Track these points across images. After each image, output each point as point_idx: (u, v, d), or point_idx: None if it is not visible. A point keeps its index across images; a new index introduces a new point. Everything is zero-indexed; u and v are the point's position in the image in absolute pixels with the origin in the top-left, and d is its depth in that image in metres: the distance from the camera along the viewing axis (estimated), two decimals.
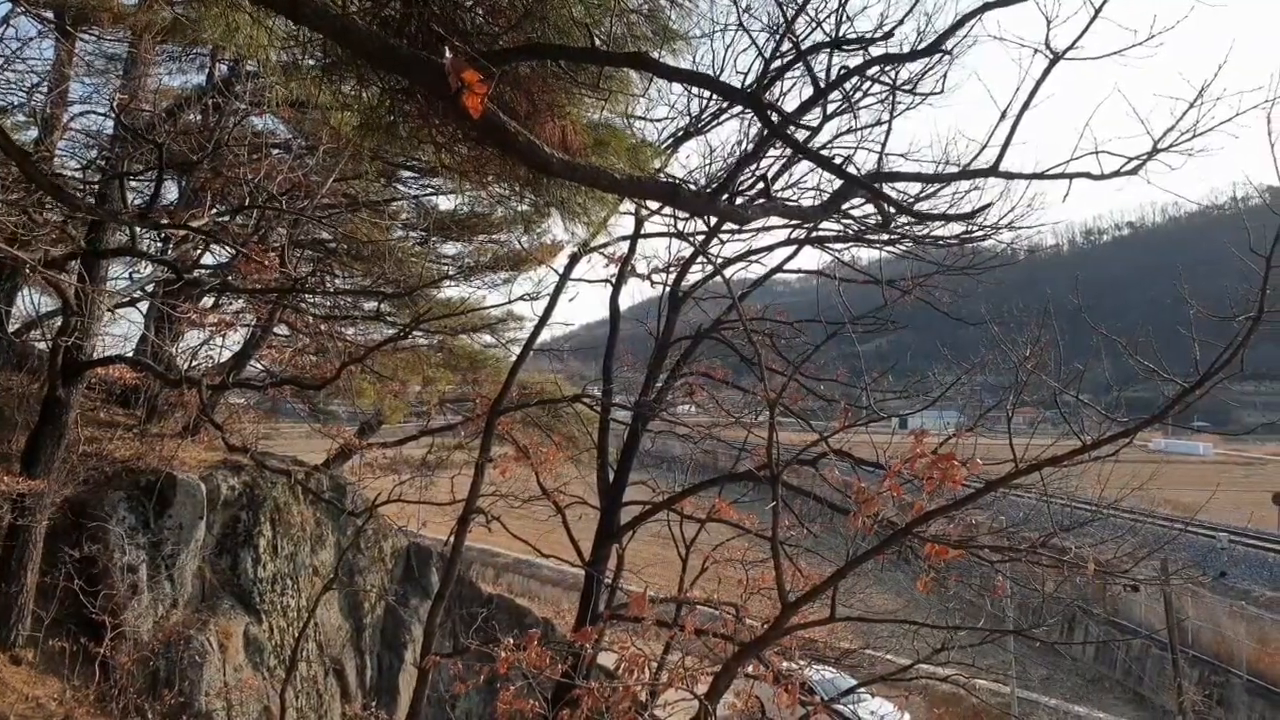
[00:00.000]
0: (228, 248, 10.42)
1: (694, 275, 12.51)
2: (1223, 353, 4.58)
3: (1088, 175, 4.29)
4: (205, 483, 10.91)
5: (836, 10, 6.20)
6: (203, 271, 11.85)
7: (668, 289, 12.33)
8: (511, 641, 6.96)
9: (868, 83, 8.00)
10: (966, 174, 5.39)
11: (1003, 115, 4.42)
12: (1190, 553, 28.71)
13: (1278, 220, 4.37)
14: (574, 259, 11.17)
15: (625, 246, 12.01)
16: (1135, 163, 4.35)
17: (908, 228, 10.10)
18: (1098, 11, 3.90)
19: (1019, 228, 9.79)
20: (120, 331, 12.59)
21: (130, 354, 11.67)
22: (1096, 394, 6.01)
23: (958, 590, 12.64)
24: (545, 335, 12.27)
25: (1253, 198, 6.72)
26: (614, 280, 12.32)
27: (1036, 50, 4.23)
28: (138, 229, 7.74)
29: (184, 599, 10.46)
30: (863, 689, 11.42)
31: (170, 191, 11.99)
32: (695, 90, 8.77)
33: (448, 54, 2.59)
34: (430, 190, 13.85)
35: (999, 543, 7.74)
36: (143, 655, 9.50)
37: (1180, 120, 4.26)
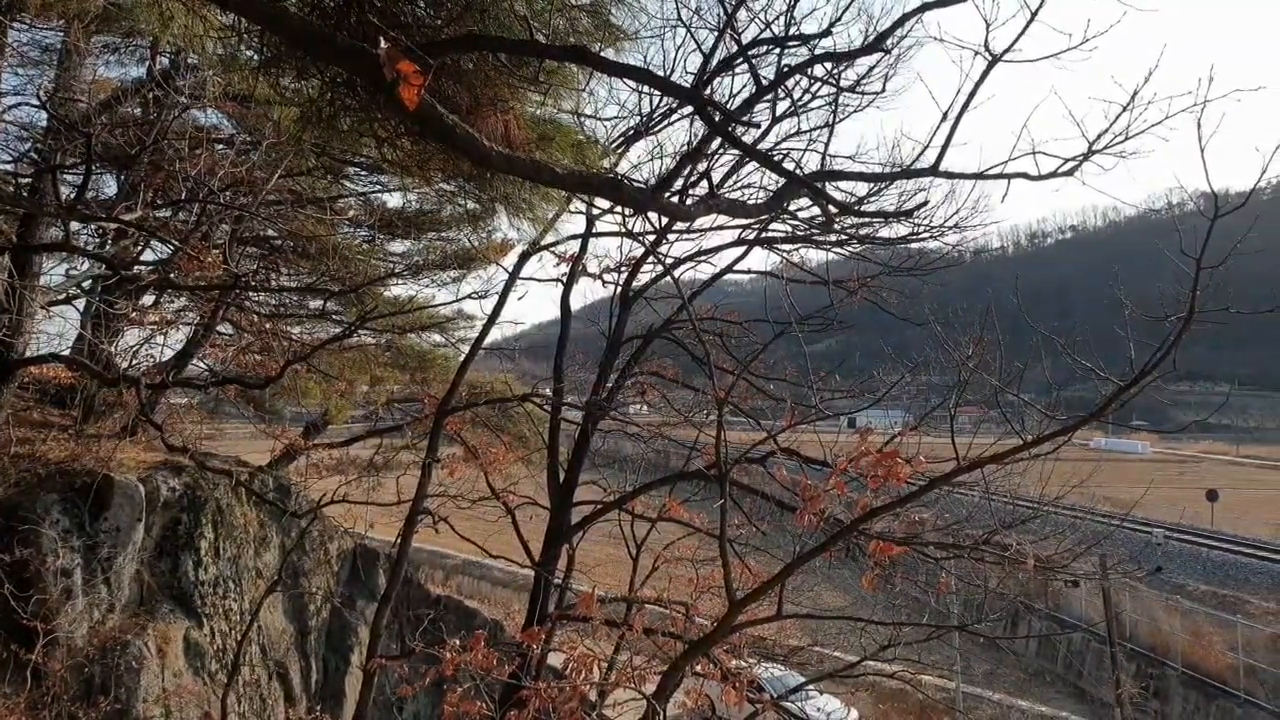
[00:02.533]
0: (168, 244, 10.17)
1: (645, 275, 12.54)
2: (1155, 352, 4.69)
3: (1025, 175, 4.38)
4: (144, 484, 10.63)
5: (784, 12, 6.26)
6: (142, 268, 11.55)
7: (619, 289, 12.32)
8: (457, 643, 6.90)
9: (815, 84, 8.08)
10: (907, 173, 5.47)
11: (944, 116, 4.49)
12: (1128, 548, 29.47)
13: (1209, 223, 4.49)
14: (524, 257, 11.11)
15: (576, 245, 11.99)
16: (1071, 164, 4.44)
17: (853, 229, 10.22)
18: (1034, 15, 3.98)
19: (965, 228, 9.97)
20: (55, 329, 12.23)
21: (66, 352, 11.34)
22: (1038, 394, 6.13)
23: (903, 587, 12.82)
24: (496, 334, 12.19)
25: (1186, 203, 6.92)
26: (565, 279, 12.29)
27: (976, 52, 4.30)
28: (72, 224, 7.53)
29: (121, 603, 10.18)
30: (811, 686, 11.51)
31: (109, 186, 11.70)
32: (645, 89, 8.77)
33: (382, 44, 2.55)
34: (378, 187, 13.67)
35: (943, 540, 7.87)
36: (77, 662, 9.22)
37: (1114, 123, 4.37)
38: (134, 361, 12.10)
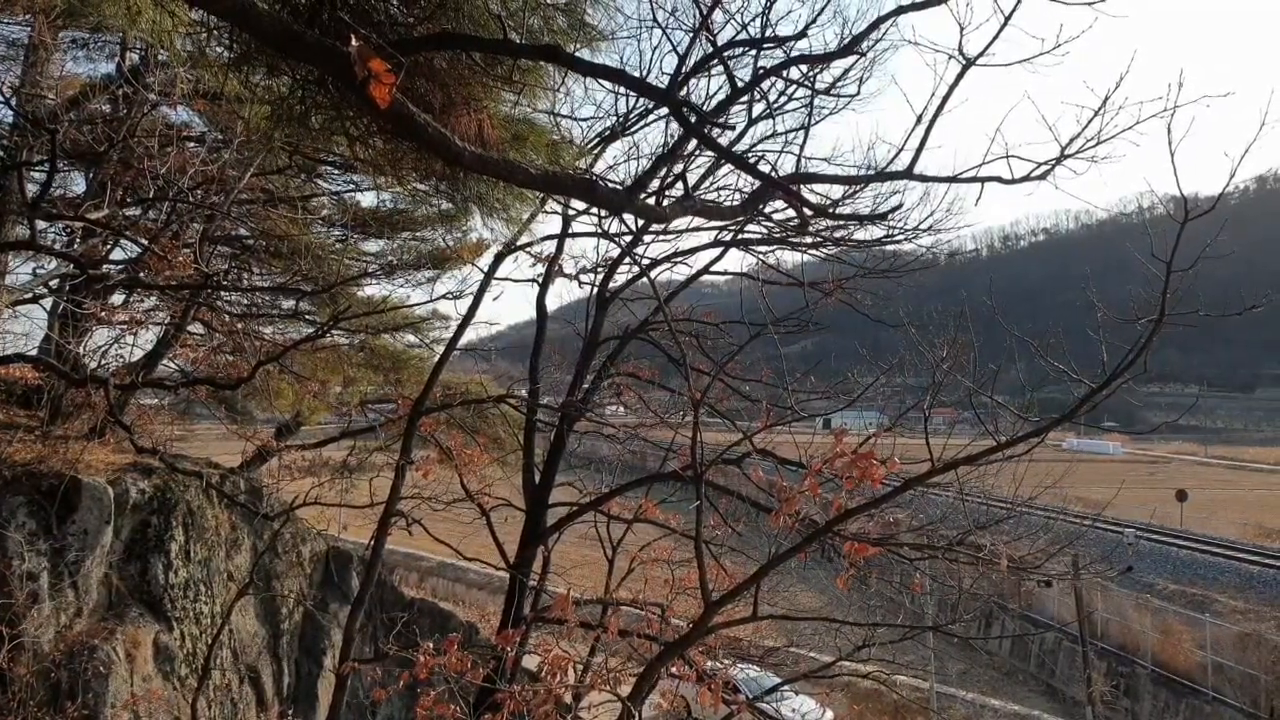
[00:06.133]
0: (138, 243, 10.03)
1: (621, 276, 12.53)
2: (1127, 354, 4.74)
3: (999, 179, 4.40)
4: (113, 486, 10.47)
5: (760, 14, 6.26)
6: (111, 267, 11.38)
7: (595, 290, 12.31)
8: (431, 645, 6.85)
9: (790, 86, 8.09)
10: (882, 176, 5.49)
11: (918, 120, 4.51)
12: (1099, 548, 29.73)
13: (1178, 227, 4.54)
14: (499, 257, 11.07)
15: (552, 246, 11.96)
16: (1044, 168, 4.47)
17: (828, 231, 10.25)
18: (1008, 19, 3.99)
19: (939, 230, 10.02)
20: (21, 329, 11.99)
21: (32, 352, 11.15)
22: (1012, 395, 6.17)
23: (878, 588, 12.88)
24: (471, 335, 12.15)
25: (1157, 206, 6.99)
26: (541, 280, 12.24)
27: (950, 56, 4.32)
28: (38, 222, 7.40)
29: (89, 607, 10.03)
30: (786, 687, 11.55)
31: (78, 184, 11.52)
32: (621, 90, 8.75)
33: (353, 42, 2.52)
34: (351, 186, 13.55)
35: (918, 540, 7.90)
36: (43, 667, 9.06)
37: (1086, 127, 4.40)
38: (102, 362, 11.92)
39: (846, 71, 7.24)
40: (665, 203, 6.61)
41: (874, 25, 4.19)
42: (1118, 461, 76.90)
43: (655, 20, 6.91)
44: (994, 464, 5.60)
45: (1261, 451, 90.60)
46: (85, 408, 12.04)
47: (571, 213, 11.27)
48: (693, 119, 3.91)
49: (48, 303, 11.46)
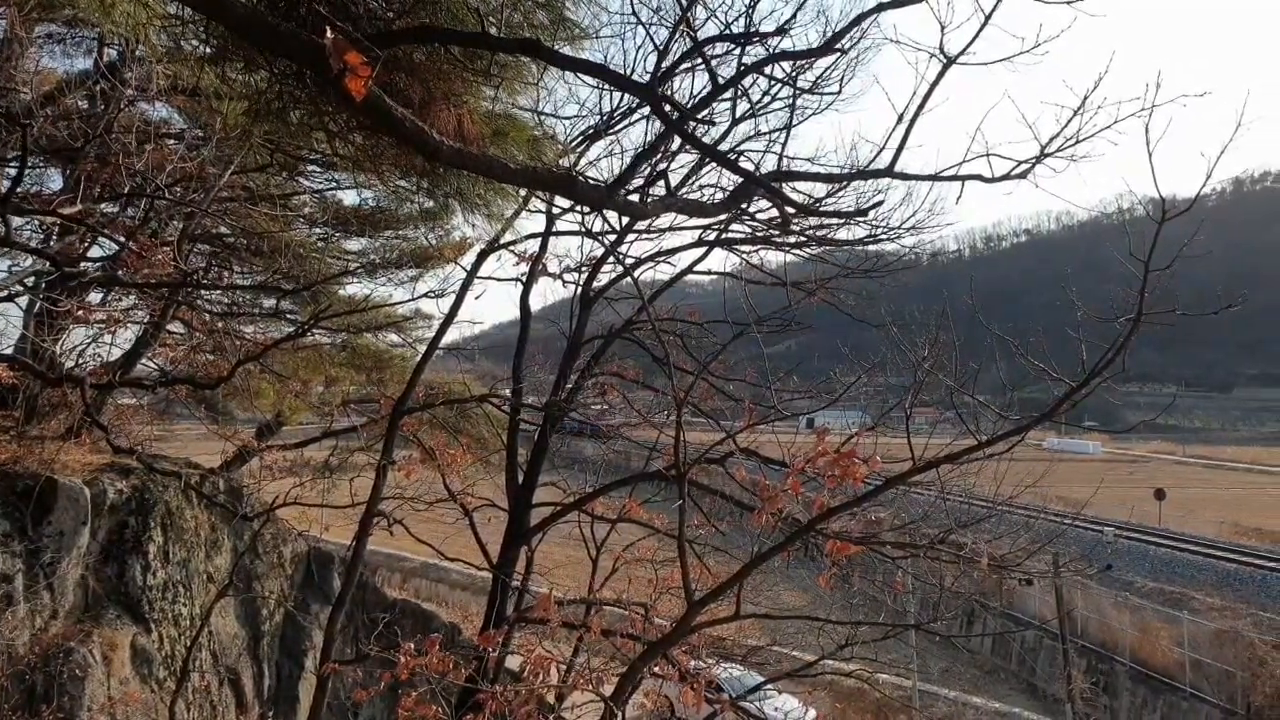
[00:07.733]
0: (115, 240, 9.91)
1: (605, 276, 12.51)
2: (1105, 353, 4.76)
3: (979, 178, 4.42)
4: (90, 487, 10.36)
5: (744, 14, 6.26)
6: (88, 265, 11.25)
7: (579, 289, 12.27)
8: (413, 646, 6.81)
9: (773, 85, 8.10)
10: (863, 174, 5.50)
11: (900, 118, 4.52)
12: (1079, 547, 29.96)
13: (1156, 227, 4.56)
14: (482, 256, 11.02)
15: (535, 245, 11.92)
16: (1024, 166, 4.49)
17: (811, 230, 10.27)
18: (988, 18, 4.00)
19: (921, 230, 10.06)
20: None
21: (8, 351, 11.01)
22: (993, 394, 6.19)
23: (861, 586, 12.91)
24: (454, 334, 12.10)
25: (1135, 207, 7.03)
26: (524, 279, 12.19)
27: (931, 54, 4.32)
28: (13, 219, 7.29)
29: (65, 610, 9.91)
30: (769, 685, 11.55)
31: (54, 181, 11.40)
32: (605, 87, 8.72)
33: (329, 34, 2.48)
34: (333, 184, 13.48)
35: (900, 539, 7.91)
36: (18, 670, 8.95)
37: (1065, 126, 4.42)
38: (79, 361, 11.79)
39: (828, 70, 7.28)
40: (648, 200, 6.59)
41: (854, 22, 4.20)
42: (1097, 461, 77.42)
43: (636, 17, 6.89)
44: (975, 463, 5.62)
45: (1238, 451, 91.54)
46: (62, 407, 11.91)
47: (556, 211, 11.23)
48: (674, 115, 3.90)
49: (23, 300, 11.32)
